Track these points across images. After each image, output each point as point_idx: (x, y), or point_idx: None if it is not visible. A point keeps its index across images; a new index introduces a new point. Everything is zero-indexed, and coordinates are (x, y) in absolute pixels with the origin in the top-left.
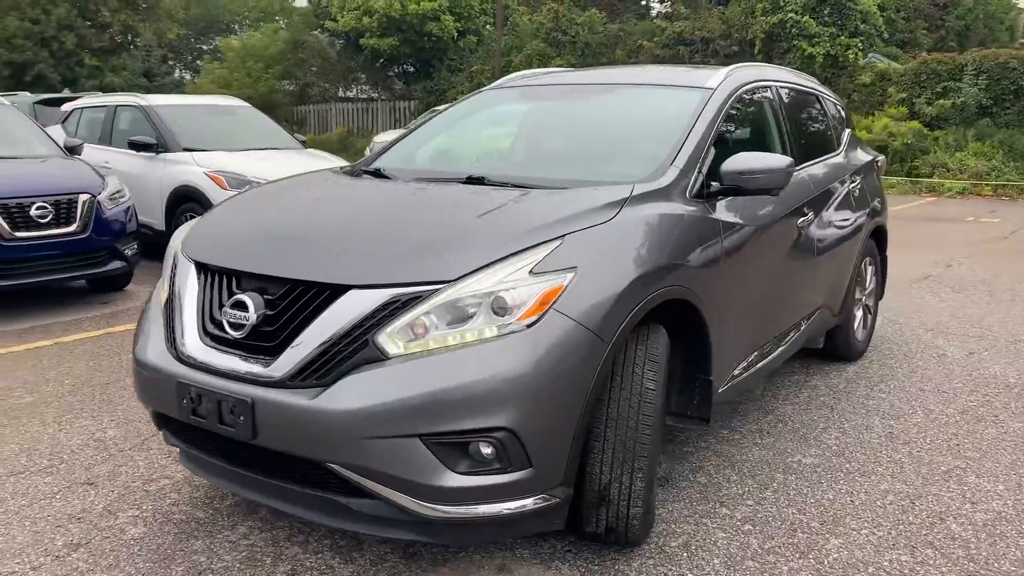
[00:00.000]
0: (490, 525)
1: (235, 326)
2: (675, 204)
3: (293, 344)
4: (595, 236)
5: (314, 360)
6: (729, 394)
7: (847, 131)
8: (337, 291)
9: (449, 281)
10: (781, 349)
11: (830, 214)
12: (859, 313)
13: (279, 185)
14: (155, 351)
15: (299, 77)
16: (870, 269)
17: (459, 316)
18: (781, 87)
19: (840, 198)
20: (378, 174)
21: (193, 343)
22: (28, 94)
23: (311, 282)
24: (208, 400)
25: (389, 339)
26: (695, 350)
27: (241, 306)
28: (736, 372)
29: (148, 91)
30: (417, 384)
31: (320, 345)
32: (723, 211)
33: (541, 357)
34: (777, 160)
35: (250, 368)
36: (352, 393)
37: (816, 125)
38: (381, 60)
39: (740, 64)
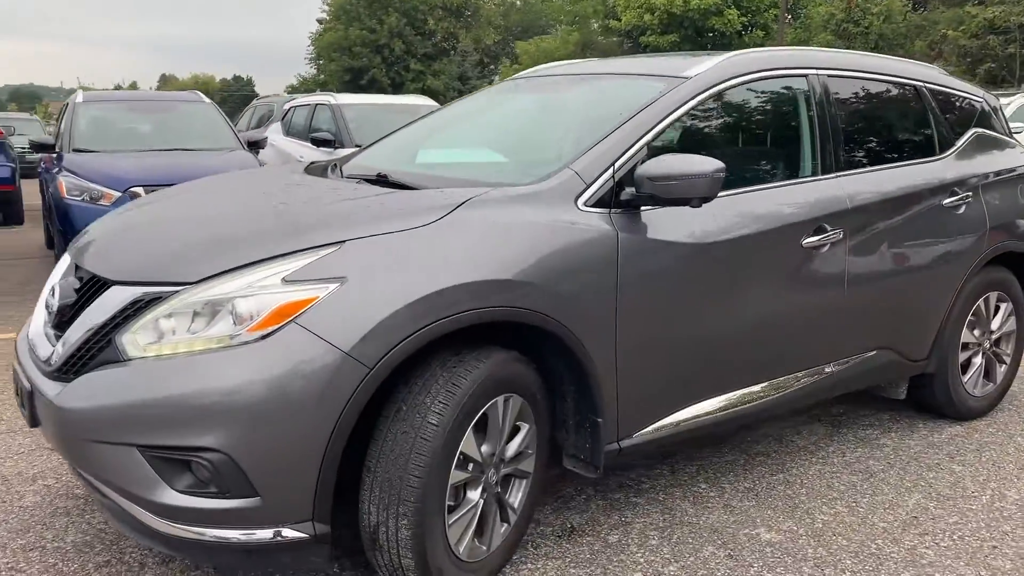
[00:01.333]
0: (233, 552)
1: (49, 313)
2: (546, 212)
3: (66, 336)
4: (388, 243)
5: (74, 354)
6: (658, 442)
7: (973, 131)
8: (106, 286)
9: (190, 283)
10: (776, 397)
11: (893, 232)
12: (977, 360)
13: (199, 182)
14: (23, 335)
15: None
16: (1003, 307)
17: (203, 322)
18: (827, 76)
19: (921, 213)
20: (330, 171)
21: (35, 327)
22: (284, 95)
23: (94, 275)
24: (17, 382)
25: (130, 339)
26: (583, 386)
27: (54, 293)
28: (671, 420)
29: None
30: (137, 390)
31: (80, 339)
32: (649, 224)
33: (269, 375)
34: (700, 164)
35: (44, 356)
36: (81, 392)
37: (891, 124)
38: None
39: (757, 49)
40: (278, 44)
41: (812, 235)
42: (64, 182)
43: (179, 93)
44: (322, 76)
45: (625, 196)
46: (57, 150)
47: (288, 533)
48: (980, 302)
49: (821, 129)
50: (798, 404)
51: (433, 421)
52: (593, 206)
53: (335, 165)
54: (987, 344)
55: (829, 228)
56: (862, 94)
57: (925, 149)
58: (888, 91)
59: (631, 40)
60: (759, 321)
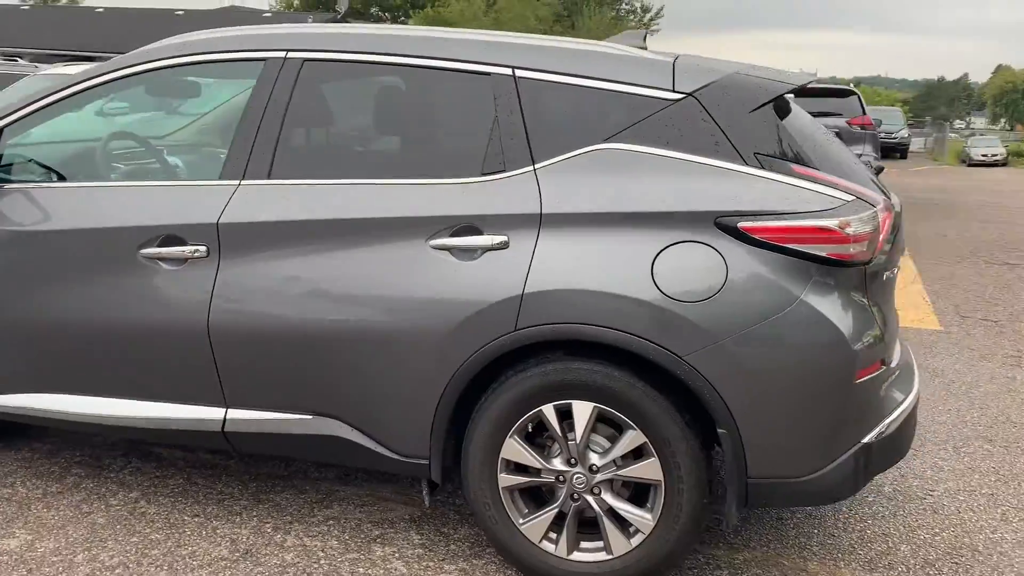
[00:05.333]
0: None
1: None
2: None
3: None
4: None
5: None
6: None
7: (594, 148)
8: None
9: None
10: (114, 416)
11: (310, 264)
12: (561, 496)
13: None
14: None
15: None
16: (624, 436)
17: None
18: (307, 60)
19: (373, 248)
20: None
21: None
22: None
23: None
24: None
25: None
26: None
27: None
28: None
29: None
30: None
31: None
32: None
33: None
34: None
35: None
36: None
37: (391, 125)
38: None
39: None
40: None
41: (157, 245)
42: None
43: None
44: None
45: None
46: None
47: None
48: (547, 411)
49: (246, 126)
50: (172, 439)
51: None
52: None
53: None
54: (584, 483)
55: (189, 242)
56: (365, 83)
57: (439, 165)
58: (420, 81)
59: None
60: (72, 328)
